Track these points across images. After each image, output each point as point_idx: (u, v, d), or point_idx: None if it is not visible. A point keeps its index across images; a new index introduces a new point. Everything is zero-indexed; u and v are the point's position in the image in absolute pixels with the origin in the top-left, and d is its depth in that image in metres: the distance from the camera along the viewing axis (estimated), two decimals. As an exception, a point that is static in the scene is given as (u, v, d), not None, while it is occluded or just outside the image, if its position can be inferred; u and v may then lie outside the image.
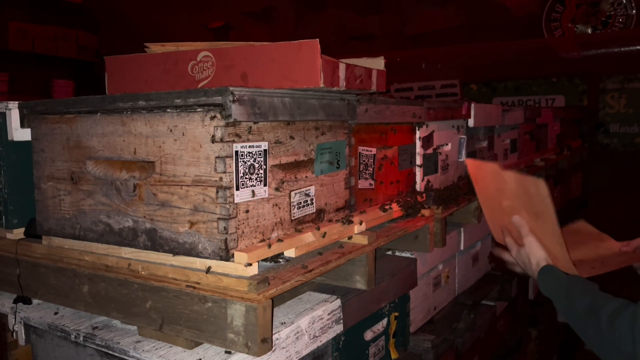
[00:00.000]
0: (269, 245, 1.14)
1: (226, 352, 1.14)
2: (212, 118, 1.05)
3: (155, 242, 1.17)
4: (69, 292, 1.33)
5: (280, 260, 1.23)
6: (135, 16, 6.72)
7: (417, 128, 1.88)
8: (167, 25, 6.65)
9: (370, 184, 1.60)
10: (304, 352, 1.34)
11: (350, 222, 1.43)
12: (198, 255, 1.12)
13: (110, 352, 1.22)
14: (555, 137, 4.20)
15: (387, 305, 1.77)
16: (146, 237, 1.19)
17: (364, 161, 1.55)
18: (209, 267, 1.09)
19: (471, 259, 2.52)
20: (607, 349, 1.08)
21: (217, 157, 1.05)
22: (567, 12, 4.97)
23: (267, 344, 1.09)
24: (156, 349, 1.17)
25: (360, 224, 1.47)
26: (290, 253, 1.22)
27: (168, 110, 1.11)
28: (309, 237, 1.26)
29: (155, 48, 1.30)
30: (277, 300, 1.41)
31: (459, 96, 5.73)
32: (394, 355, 1.80)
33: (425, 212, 1.86)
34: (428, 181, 1.95)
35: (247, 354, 1.09)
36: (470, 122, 2.28)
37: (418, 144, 1.91)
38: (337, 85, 1.18)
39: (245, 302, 1.07)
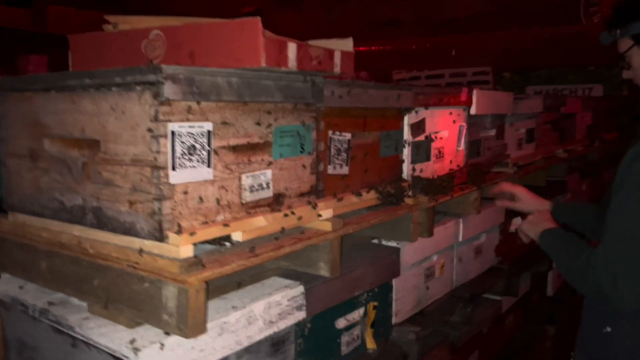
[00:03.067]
0: (211, 229, 1.12)
1: (165, 333, 1.13)
2: (147, 97, 1.03)
3: (101, 220, 1.17)
4: (31, 267, 1.36)
5: (227, 244, 1.21)
6: (169, 2, 6.80)
7: (405, 114, 1.82)
8: (203, 11, 6.72)
9: (344, 170, 1.56)
10: (258, 337, 1.32)
11: (314, 207, 1.39)
12: (137, 235, 1.11)
13: (60, 328, 1.24)
14: (586, 128, 4.02)
15: (365, 294, 1.73)
16: (93, 215, 1.19)
17: (336, 146, 1.51)
18: (141, 249, 1.08)
19: (473, 251, 2.44)
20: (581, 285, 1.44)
21: (152, 137, 1.04)
22: (607, -4, 4.74)
23: (199, 326, 1.08)
24: (99, 327, 1.17)
25: (325, 210, 1.43)
26: (237, 237, 1.20)
27: (112, 88, 1.10)
28: (260, 222, 1.24)
29: (113, 20, 1.29)
30: (236, 285, 1.40)
31: (490, 84, 5.56)
32: (370, 345, 1.76)
33: (409, 200, 1.81)
34: (415, 169, 1.89)
35: (179, 335, 1.08)
36: (472, 110, 2.20)
37: (406, 130, 1.85)
38: (286, 66, 1.14)
39: (177, 284, 1.06)
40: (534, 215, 1.73)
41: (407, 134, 1.86)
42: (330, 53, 1.27)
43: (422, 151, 1.93)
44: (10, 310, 1.41)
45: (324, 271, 1.45)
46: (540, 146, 3.06)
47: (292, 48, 1.14)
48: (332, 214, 1.47)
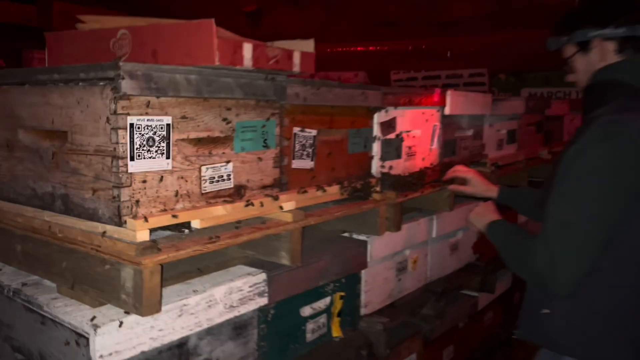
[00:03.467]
0: (167, 216, 1.20)
1: (125, 312, 1.21)
2: (108, 91, 1.11)
3: (68, 206, 1.26)
4: (7, 250, 1.45)
5: (185, 230, 1.29)
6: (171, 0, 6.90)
7: (374, 112, 1.89)
8: (205, 9, 6.81)
9: (310, 165, 1.63)
10: (218, 320, 1.40)
11: (276, 199, 1.47)
12: (99, 220, 1.19)
13: (30, 307, 1.32)
14: (575, 131, 4.06)
15: (331, 284, 1.81)
16: (61, 201, 1.27)
17: (301, 142, 1.59)
18: (104, 232, 1.17)
19: (448, 247, 2.51)
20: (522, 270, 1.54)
21: (112, 129, 1.12)
22: (601, 1, 4.77)
23: (154, 306, 1.16)
24: (66, 306, 1.26)
25: (287, 202, 1.51)
26: (195, 224, 1.28)
27: (78, 83, 1.19)
28: (219, 211, 1.32)
29: (86, 19, 1.38)
30: (198, 271, 1.49)
31: (486, 85, 5.62)
32: (336, 333, 1.84)
33: (377, 196, 1.88)
34: (384, 166, 1.96)
35: (136, 313, 1.16)
36: (446, 110, 2.27)
37: (376, 128, 1.92)
38: (241, 64, 1.22)
39: (133, 266, 1.14)
40: (481, 207, 1.80)
41: (377, 132, 1.93)
42: (289, 53, 1.35)
43: (392, 149, 2.00)
44: (-11, 291, 1.50)
45: (285, 260, 1.53)
46: (523, 147, 3.11)
47: (247, 48, 1.22)
48: (295, 206, 1.54)
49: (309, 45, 1.42)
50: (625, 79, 1.56)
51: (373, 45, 5.59)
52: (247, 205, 1.39)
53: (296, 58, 1.38)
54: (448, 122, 2.35)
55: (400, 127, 2.03)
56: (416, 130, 2.13)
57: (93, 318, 1.17)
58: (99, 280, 1.21)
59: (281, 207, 1.49)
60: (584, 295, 1.48)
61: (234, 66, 1.20)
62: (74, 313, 1.22)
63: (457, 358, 2.68)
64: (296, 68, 1.38)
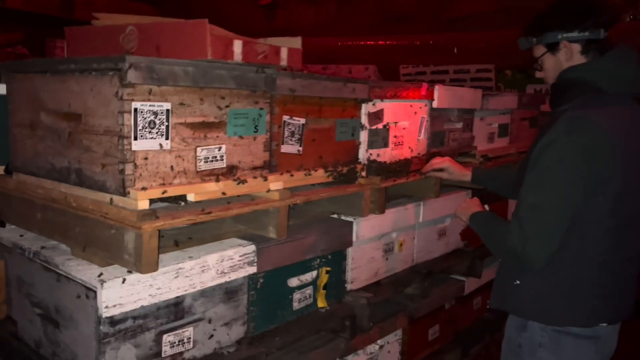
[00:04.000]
0: (165, 189, 1.39)
1: (128, 271, 1.41)
2: (116, 80, 1.30)
3: (81, 179, 1.46)
4: (29, 218, 1.65)
5: (182, 202, 1.48)
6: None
7: (362, 104, 2.06)
8: (223, 1, 7.01)
9: (298, 150, 1.81)
10: (210, 284, 1.59)
11: (265, 179, 1.66)
12: (107, 191, 1.39)
13: (48, 266, 1.53)
14: (545, 124, 4.18)
15: (318, 260, 1.99)
16: (75, 175, 1.47)
17: (290, 129, 1.77)
18: (111, 199, 1.36)
19: (436, 233, 2.68)
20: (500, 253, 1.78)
21: (119, 112, 1.31)
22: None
23: (151, 265, 1.35)
24: (78, 266, 1.46)
25: (275, 182, 1.69)
26: (191, 198, 1.47)
27: (92, 73, 1.38)
28: (212, 187, 1.51)
29: (100, 17, 1.57)
30: (198, 241, 1.68)
31: (492, 81, 5.73)
32: (321, 304, 2.02)
33: (362, 180, 2.06)
34: (371, 154, 2.13)
35: (136, 271, 1.36)
36: (435, 103, 2.43)
37: (364, 119, 2.09)
38: (232, 59, 1.40)
39: (135, 230, 1.33)
40: (467, 202, 2.06)
41: (365, 122, 2.10)
42: (276, 49, 1.52)
43: (379, 138, 2.17)
44: (12, 254, 1.71)
45: (272, 234, 1.72)
46: (515, 141, 3.26)
47: (237, 44, 1.40)
48: (282, 186, 1.72)
49: (296, 42, 1.60)
50: (588, 78, 1.73)
51: (382, 40, 5.73)
52: (238, 183, 1.57)
53: (283, 53, 1.55)
54: (437, 115, 2.51)
55: (387, 118, 2.19)
56: (404, 121, 2.30)
57: (100, 275, 1.37)
58: (106, 243, 1.41)
59: (269, 187, 1.67)
60: (550, 269, 1.69)
61: (225, 60, 1.38)
62: (84, 271, 1.42)
63: (443, 337, 2.86)
64: (283, 62, 1.56)
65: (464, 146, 2.77)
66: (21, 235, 1.71)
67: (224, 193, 1.51)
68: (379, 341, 2.39)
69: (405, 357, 2.60)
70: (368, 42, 5.98)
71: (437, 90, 2.41)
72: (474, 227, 1.92)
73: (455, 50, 5.25)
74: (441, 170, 2.33)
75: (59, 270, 1.49)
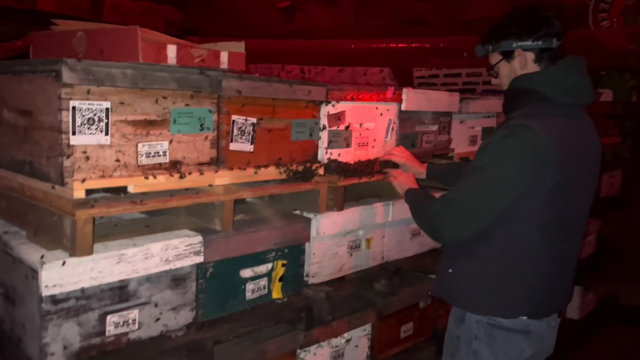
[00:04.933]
0: (104, 180, 1.52)
1: (70, 255, 1.54)
2: (56, 81, 1.44)
3: (33, 170, 1.60)
4: (-3, 206, 1.81)
5: (122, 194, 1.61)
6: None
7: (321, 105, 2.15)
8: (243, 3, 7.19)
9: (248, 148, 1.92)
10: (154, 270, 1.71)
11: (202, 174, 1.76)
12: (50, 181, 1.53)
13: (6, 250, 1.68)
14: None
15: (273, 252, 2.09)
16: (29, 167, 1.62)
17: (240, 127, 1.87)
18: (54, 188, 1.50)
19: (409, 232, 2.73)
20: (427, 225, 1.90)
21: (58, 109, 1.45)
22: (617, 3, 4.78)
23: (86, 249, 1.48)
24: (28, 249, 1.60)
25: (220, 178, 1.80)
26: (130, 189, 1.60)
27: (40, 74, 1.52)
28: (151, 180, 1.63)
29: (59, 23, 1.72)
30: (146, 231, 1.80)
31: (504, 85, 5.69)
32: (276, 295, 2.12)
33: (318, 178, 2.15)
34: (331, 153, 2.22)
35: (72, 255, 1.49)
36: (403, 106, 2.49)
37: (324, 119, 2.18)
38: (165, 62, 1.52)
39: (71, 217, 1.46)
40: (404, 176, 2.25)
41: (325, 123, 2.19)
42: (216, 53, 1.64)
43: (340, 139, 2.26)
44: (-18, 238, 1.87)
45: (217, 226, 1.83)
46: (502, 144, 3.27)
47: (171, 49, 1.51)
48: (229, 182, 1.83)
49: (239, 47, 1.70)
50: (536, 87, 1.79)
51: (396, 43, 5.78)
52: (180, 177, 1.69)
53: (224, 57, 1.66)
54: (407, 117, 2.58)
55: (350, 119, 2.28)
56: (369, 123, 2.37)
57: (42, 257, 1.51)
58: (51, 228, 1.55)
59: (213, 181, 1.78)
60: (478, 261, 1.80)
61: (159, 63, 1.50)
62: (33, 254, 1.56)
63: (418, 335, 2.91)
64: (224, 66, 1.67)
65: (440, 148, 2.82)
66: (-9, 222, 1.87)
67: (198, 192, 1.63)
68: (345, 335, 2.47)
69: (374, 352, 2.66)
70: (382, 45, 6.03)
71: (406, 93, 2.47)
72: (407, 200, 2.10)
73: (465, 54, 5.25)
74: (396, 166, 2.40)
75: (13, 253, 1.64)
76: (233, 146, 1.86)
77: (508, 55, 1.88)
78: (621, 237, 4.83)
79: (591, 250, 4.56)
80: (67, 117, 1.44)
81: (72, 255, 1.49)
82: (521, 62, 1.85)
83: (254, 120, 1.91)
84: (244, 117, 1.87)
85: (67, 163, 1.47)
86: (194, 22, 7.78)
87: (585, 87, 1.80)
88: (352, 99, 2.23)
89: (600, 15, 4.88)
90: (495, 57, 1.92)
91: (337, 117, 2.22)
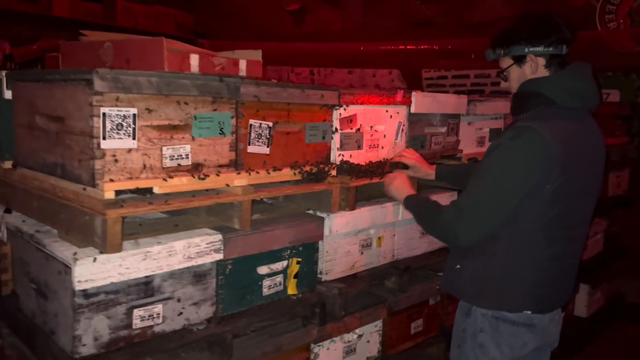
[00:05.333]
0: (131, 182, 1.62)
1: (100, 252, 1.64)
2: (87, 89, 1.54)
3: (65, 173, 1.71)
4: (29, 206, 1.92)
5: (148, 194, 1.71)
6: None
7: (333, 109, 2.24)
8: (252, 5, 7.30)
9: (265, 151, 2.01)
10: (177, 267, 1.81)
11: (228, 175, 1.86)
12: (82, 183, 1.63)
13: (39, 247, 1.78)
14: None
15: (288, 250, 2.18)
16: (60, 169, 1.72)
17: (257, 131, 1.97)
18: (85, 189, 1.60)
19: (418, 231, 2.81)
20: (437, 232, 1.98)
21: (89, 116, 1.55)
22: (624, 4, 4.83)
23: (116, 247, 1.58)
24: (60, 246, 1.71)
25: (239, 179, 1.90)
26: (156, 190, 1.70)
27: (71, 82, 1.63)
28: (175, 181, 1.72)
29: (87, 34, 1.82)
30: (171, 230, 1.90)
31: (512, 86, 5.75)
32: (291, 291, 2.21)
33: (331, 179, 2.24)
34: (343, 155, 2.31)
35: (103, 252, 1.59)
36: (412, 109, 2.58)
37: (336, 123, 2.27)
38: (188, 71, 1.61)
39: (101, 216, 1.57)
40: (398, 180, 2.26)
41: (337, 126, 2.28)
42: (235, 61, 1.73)
43: (352, 141, 2.35)
44: (15, 237, 1.99)
45: (236, 225, 1.92)
46: (509, 145, 3.35)
47: (194, 58, 1.61)
48: (247, 183, 1.93)
49: (257, 55, 1.80)
50: (543, 91, 1.87)
51: (403, 45, 5.86)
52: (200, 179, 1.79)
53: (242, 65, 1.76)
54: (416, 120, 2.66)
55: (361, 122, 2.36)
56: (380, 125, 2.46)
57: (75, 253, 1.61)
58: (82, 227, 1.65)
59: (232, 182, 1.88)
60: (485, 257, 1.89)
61: (181, 72, 1.60)
62: (65, 251, 1.67)
63: (428, 331, 2.99)
64: (242, 73, 1.76)
65: (448, 149, 2.90)
66: (23, 221, 1.98)
67: (218, 192, 1.73)
68: (357, 330, 2.56)
69: (385, 347, 2.75)
70: (391, 47, 6.12)
71: (415, 96, 2.56)
72: (408, 208, 2.14)
73: (472, 56, 5.33)
74: (406, 167, 2.48)
75: (46, 251, 1.74)
76: (250, 149, 1.96)
77: (519, 60, 1.95)
78: (628, 236, 4.88)
79: (598, 249, 4.62)
80: (98, 122, 1.54)
81: (102, 252, 1.59)
82: (532, 67, 1.92)
83: (270, 124, 2.00)
84: (261, 121, 1.97)
85: (97, 166, 1.57)
86: (204, 25, 7.90)
87: (591, 92, 1.87)
88: (363, 103, 2.32)
89: (607, 17, 4.93)
90: (506, 62, 1.99)
91: (349, 120, 2.31)
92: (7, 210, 2.05)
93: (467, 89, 5.99)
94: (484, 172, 1.84)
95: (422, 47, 6.14)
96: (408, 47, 6.21)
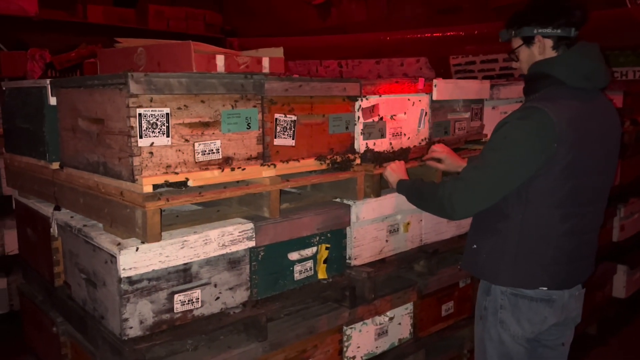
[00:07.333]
0: (167, 177, 1.75)
1: (142, 242, 1.78)
2: (124, 92, 1.68)
3: (106, 170, 1.85)
4: (76, 203, 2.08)
5: (183, 187, 1.84)
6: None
7: (355, 100, 2.33)
8: (278, 2, 7.42)
9: (290, 143, 2.12)
10: (213, 254, 1.93)
11: (242, 168, 1.97)
12: (122, 178, 1.77)
13: (87, 240, 1.94)
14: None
15: (317, 237, 2.29)
16: (102, 167, 1.87)
17: (282, 125, 2.08)
18: (125, 185, 1.74)
19: (446, 215, 2.88)
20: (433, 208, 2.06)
21: (127, 116, 1.68)
22: (654, -20, 4.76)
23: (155, 236, 1.72)
24: (106, 238, 1.85)
25: (267, 170, 2.01)
26: (190, 183, 1.82)
27: (109, 86, 1.76)
28: (207, 174, 1.85)
29: (121, 41, 1.96)
30: (205, 220, 2.02)
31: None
32: (322, 276, 2.32)
33: (356, 167, 2.33)
34: (367, 144, 2.40)
35: (143, 241, 1.73)
36: (434, 96, 2.64)
37: (358, 113, 2.36)
38: (215, 71, 1.73)
39: (142, 209, 1.70)
40: (395, 164, 2.38)
41: (359, 115, 2.37)
42: (258, 59, 1.84)
43: (375, 130, 2.43)
44: (65, 232, 2.15)
45: (266, 213, 2.04)
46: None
47: (220, 59, 1.73)
48: (275, 173, 2.04)
49: (279, 52, 1.90)
50: (551, 72, 1.92)
51: (429, 32, 5.88)
52: (231, 171, 1.91)
53: (265, 62, 1.87)
54: (439, 106, 2.73)
55: (384, 111, 2.45)
56: (402, 113, 2.54)
57: (119, 244, 1.76)
58: (124, 220, 1.79)
59: (261, 174, 1.99)
60: (499, 236, 1.97)
61: (209, 72, 1.71)
62: (110, 243, 1.81)
63: (459, 313, 3.06)
64: (265, 70, 1.87)
65: (473, 134, 2.95)
66: (71, 217, 2.14)
67: (247, 184, 1.85)
68: (388, 313, 2.65)
69: (417, 329, 2.83)
70: (417, 35, 6.15)
71: (436, 83, 2.62)
72: (400, 191, 2.26)
73: (500, 40, 5.31)
74: (439, 160, 2.54)
75: (94, 243, 1.89)
76: (277, 142, 2.07)
77: (528, 41, 2.01)
78: (666, 215, 4.80)
79: (637, 229, 4.57)
80: (134, 122, 1.68)
81: (143, 242, 1.73)
82: (540, 48, 1.98)
83: (294, 117, 2.11)
84: (285, 115, 2.07)
85: (136, 162, 1.70)
86: (233, 23, 8.07)
87: (599, 71, 1.91)
88: (384, 93, 2.40)
89: (636, -6, 4.86)
90: (516, 42, 2.05)
91: (371, 110, 2.39)
92: (57, 208, 2.22)
93: (496, 74, 5.97)
94: (490, 150, 1.90)
95: (448, 33, 6.14)
96: (434, 34, 6.22)
